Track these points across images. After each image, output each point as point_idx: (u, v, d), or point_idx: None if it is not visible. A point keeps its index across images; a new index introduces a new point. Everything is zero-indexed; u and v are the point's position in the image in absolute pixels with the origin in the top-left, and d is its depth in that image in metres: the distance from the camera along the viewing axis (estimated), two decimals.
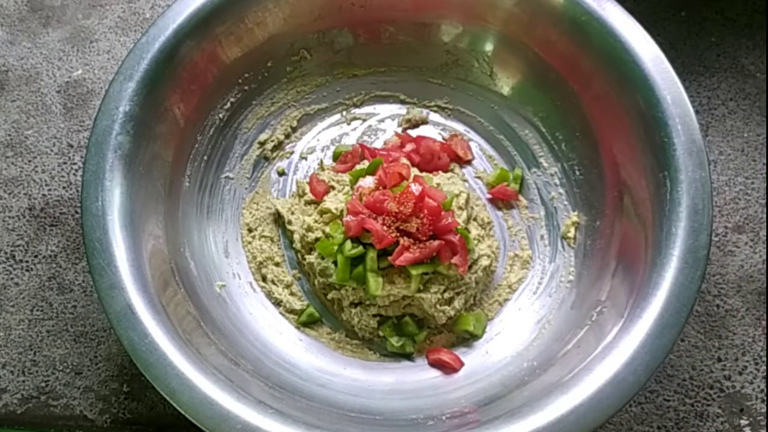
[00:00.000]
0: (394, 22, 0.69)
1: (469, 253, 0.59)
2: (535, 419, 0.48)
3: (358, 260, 0.58)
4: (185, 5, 0.61)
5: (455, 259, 0.58)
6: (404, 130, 0.71)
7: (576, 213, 0.65)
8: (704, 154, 0.55)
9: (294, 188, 0.68)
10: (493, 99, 0.70)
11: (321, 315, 0.63)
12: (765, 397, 0.61)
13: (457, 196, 0.62)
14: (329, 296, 0.62)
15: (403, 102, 0.72)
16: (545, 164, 0.67)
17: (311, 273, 0.63)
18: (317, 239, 0.61)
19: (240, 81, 0.67)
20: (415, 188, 0.58)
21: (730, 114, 0.72)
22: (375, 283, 0.57)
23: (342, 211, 0.61)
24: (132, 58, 0.58)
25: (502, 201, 0.68)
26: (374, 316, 0.60)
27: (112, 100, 0.57)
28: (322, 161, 0.69)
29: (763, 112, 0.72)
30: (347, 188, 0.63)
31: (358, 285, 0.58)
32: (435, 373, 0.60)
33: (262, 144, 0.69)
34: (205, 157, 0.66)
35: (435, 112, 0.71)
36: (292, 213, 0.65)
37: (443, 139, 0.70)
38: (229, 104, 0.67)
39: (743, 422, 0.60)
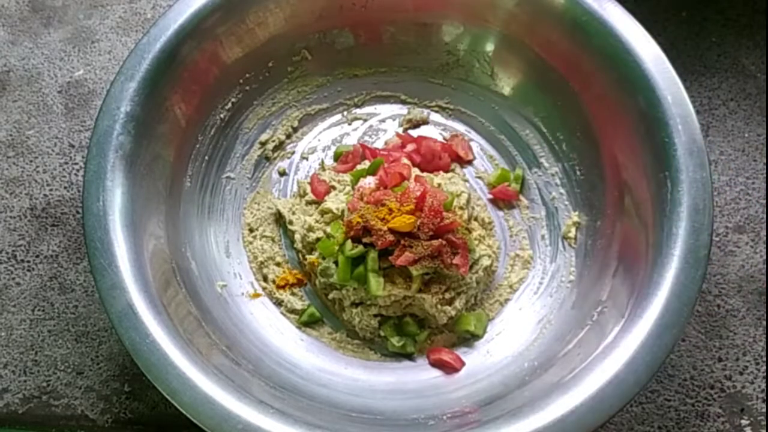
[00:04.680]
0: (395, 22, 0.69)
1: (470, 253, 0.59)
2: (536, 419, 0.48)
3: (359, 260, 0.58)
4: (186, 5, 0.61)
5: (456, 260, 0.58)
6: (405, 130, 0.71)
7: (577, 213, 0.65)
8: (705, 154, 0.55)
9: (295, 188, 0.68)
10: (494, 99, 0.70)
11: (322, 315, 0.63)
12: (766, 397, 0.61)
13: (458, 196, 0.62)
14: (330, 296, 0.62)
15: (404, 102, 0.72)
16: (546, 164, 0.67)
17: (312, 273, 0.63)
18: (318, 239, 0.61)
19: (241, 81, 0.67)
20: (416, 188, 0.58)
21: (731, 114, 0.72)
22: (376, 283, 0.57)
23: (343, 211, 0.61)
24: (133, 58, 0.59)
25: (503, 201, 0.68)
26: (375, 316, 0.60)
27: (114, 101, 0.57)
28: (323, 161, 0.69)
29: (764, 112, 0.72)
30: (348, 188, 0.63)
31: (359, 285, 0.58)
32: (436, 373, 0.60)
33: (263, 144, 0.69)
34: (207, 157, 0.66)
35: (436, 112, 0.72)
36: (293, 213, 0.65)
37: (444, 139, 0.70)
38: (230, 104, 0.67)
39: (744, 422, 0.60)
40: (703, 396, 0.61)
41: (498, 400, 0.54)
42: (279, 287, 0.64)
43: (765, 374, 0.61)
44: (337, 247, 0.58)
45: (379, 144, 0.70)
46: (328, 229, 0.60)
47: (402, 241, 0.57)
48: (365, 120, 0.72)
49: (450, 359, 0.60)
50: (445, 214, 0.58)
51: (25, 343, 0.64)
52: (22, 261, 0.67)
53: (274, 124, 0.70)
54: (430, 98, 0.72)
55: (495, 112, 0.70)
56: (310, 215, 0.63)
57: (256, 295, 0.63)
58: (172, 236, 0.59)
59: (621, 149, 0.60)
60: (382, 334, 0.61)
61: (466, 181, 0.68)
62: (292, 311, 0.63)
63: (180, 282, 0.57)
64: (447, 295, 0.59)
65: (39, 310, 0.65)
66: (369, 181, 0.61)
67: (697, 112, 0.69)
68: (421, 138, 0.69)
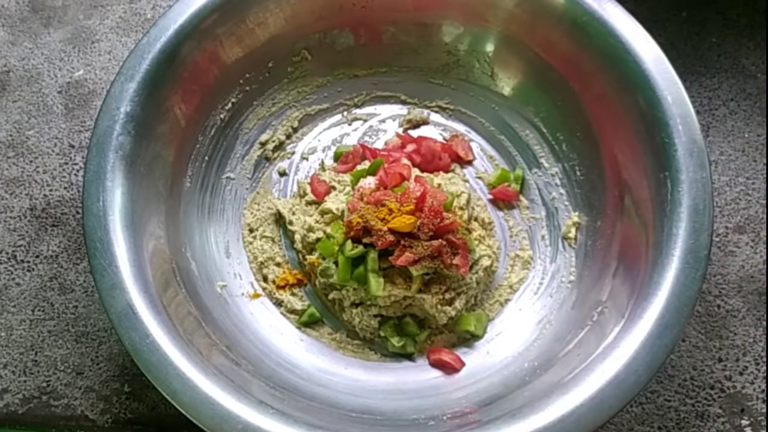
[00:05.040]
0: (395, 22, 0.69)
1: (470, 254, 0.59)
2: (536, 419, 0.48)
3: (359, 260, 0.58)
4: (186, 6, 0.61)
5: (456, 260, 0.58)
6: (405, 130, 0.71)
7: (577, 213, 0.65)
8: (705, 154, 0.55)
9: (295, 188, 0.68)
10: (494, 99, 0.70)
11: (322, 315, 0.63)
12: (766, 398, 0.61)
13: (458, 196, 0.62)
14: (330, 296, 0.62)
15: (404, 102, 0.72)
16: (546, 164, 0.67)
17: (312, 273, 0.63)
18: (318, 239, 0.61)
19: (241, 81, 0.67)
20: (416, 188, 0.58)
21: (731, 114, 0.72)
22: (376, 284, 0.57)
23: (343, 211, 0.61)
24: (133, 58, 0.59)
25: (502, 201, 0.68)
26: (375, 316, 0.60)
27: (114, 101, 0.57)
28: (323, 161, 0.69)
29: (764, 112, 0.72)
30: (348, 188, 0.63)
31: (359, 285, 0.58)
32: (436, 373, 0.60)
33: (263, 144, 0.69)
34: (207, 158, 0.66)
35: (436, 112, 0.72)
36: (293, 213, 0.65)
37: (444, 139, 0.70)
38: (230, 105, 0.67)
39: (744, 422, 0.60)
40: (703, 396, 0.61)
41: (498, 401, 0.54)
42: (279, 287, 0.64)
43: (765, 374, 0.61)
44: (337, 248, 0.58)
45: (379, 144, 0.70)
46: (328, 230, 0.60)
47: (402, 242, 0.57)
48: (365, 120, 0.72)
49: (450, 359, 0.60)
50: (445, 214, 0.58)
51: (25, 343, 0.64)
52: (22, 261, 0.67)
53: (274, 125, 0.70)
54: (430, 98, 0.72)
55: (495, 112, 0.70)
56: (310, 215, 0.63)
57: (256, 296, 0.63)
58: (172, 236, 0.59)
59: (621, 149, 0.60)
60: (382, 334, 0.61)
61: (466, 181, 0.68)
62: (292, 311, 0.63)
63: (180, 282, 0.57)
64: (447, 296, 0.59)
65: (39, 310, 0.65)
66: (369, 182, 0.61)
67: (697, 112, 0.69)
68: (421, 138, 0.69)
